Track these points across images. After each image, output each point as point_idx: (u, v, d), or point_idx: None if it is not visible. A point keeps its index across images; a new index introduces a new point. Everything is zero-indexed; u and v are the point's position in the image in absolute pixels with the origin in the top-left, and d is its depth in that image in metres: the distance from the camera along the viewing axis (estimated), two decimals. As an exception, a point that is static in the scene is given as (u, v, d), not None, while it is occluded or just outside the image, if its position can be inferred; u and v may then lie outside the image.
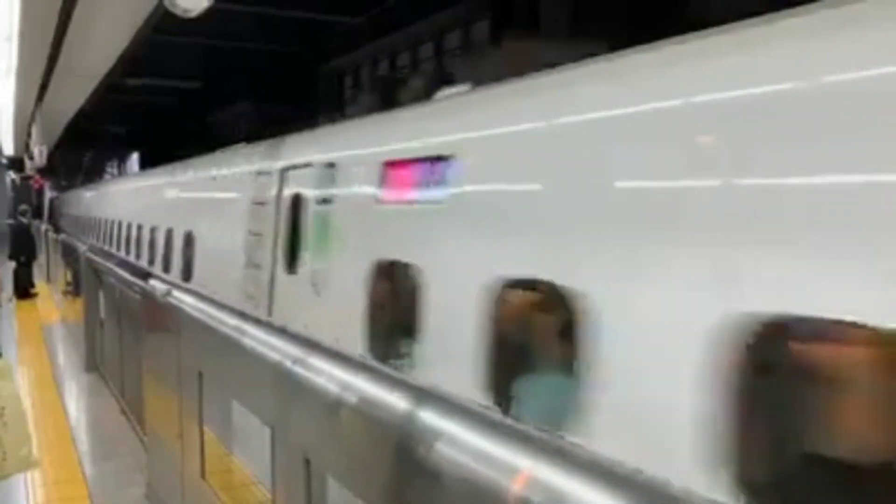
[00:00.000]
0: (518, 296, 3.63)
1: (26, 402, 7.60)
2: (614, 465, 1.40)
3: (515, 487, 1.51)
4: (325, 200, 5.94)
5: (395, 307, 4.78)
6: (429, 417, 1.85)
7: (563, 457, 1.52)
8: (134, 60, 16.73)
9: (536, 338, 3.61)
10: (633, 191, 3.12)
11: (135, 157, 38.50)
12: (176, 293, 4.34)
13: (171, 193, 12.01)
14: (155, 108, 25.23)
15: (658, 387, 2.69)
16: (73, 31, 14.78)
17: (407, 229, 4.76)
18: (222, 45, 16.97)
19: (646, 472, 1.34)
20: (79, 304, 9.87)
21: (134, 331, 6.03)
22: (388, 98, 13.38)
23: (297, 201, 6.49)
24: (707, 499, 1.27)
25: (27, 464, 5.79)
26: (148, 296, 5.01)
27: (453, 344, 3.92)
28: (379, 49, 16.16)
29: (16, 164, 44.09)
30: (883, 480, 2.15)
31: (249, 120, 22.53)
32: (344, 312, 5.13)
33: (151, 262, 11.50)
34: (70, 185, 41.15)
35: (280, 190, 6.83)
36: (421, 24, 14.43)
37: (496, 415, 1.82)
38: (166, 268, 10.49)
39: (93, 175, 41.65)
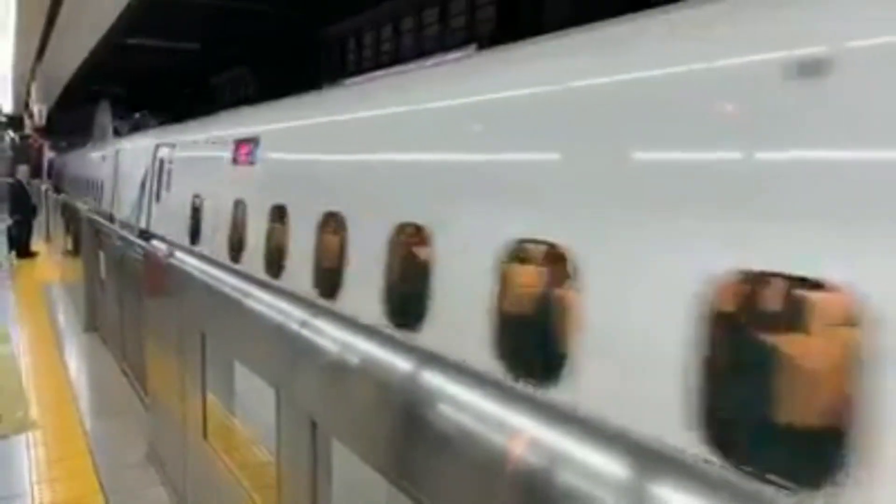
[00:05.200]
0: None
1: (26, 362, 7.68)
2: (613, 427, 1.41)
3: (517, 448, 1.52)
4: (167, 162, 11.20)
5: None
6: (434, 380, 1.86)
7: (564, 418, 1.53)
8: (133, 20, 16.55)
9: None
10: None
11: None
12: (178, 254, 4.33)
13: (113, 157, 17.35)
14: (155, 69, 24.96)
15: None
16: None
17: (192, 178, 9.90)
18: (222, 6, 16.74)
19: (641, 433, 1.35)
20: (78, 263, 9.87)
21: (134, 291, 6.03)
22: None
23: (159, 163, 11.75)
24: (694, 458, 1.28)
25: (23, 425, 5.85)
26: (149, 256, 5.00)
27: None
28: (382, 13, 15.99)
29: (15, 122, 43.86)
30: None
31: (249, 83, 22.37)
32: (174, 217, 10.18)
33: (102, 202, 17.30)
34: (70, 146, 40.80)
35: (153, 156, 12.11)
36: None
37: (499, 377, 1.82)
38: (105, 205, 16.35)
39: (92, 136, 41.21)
